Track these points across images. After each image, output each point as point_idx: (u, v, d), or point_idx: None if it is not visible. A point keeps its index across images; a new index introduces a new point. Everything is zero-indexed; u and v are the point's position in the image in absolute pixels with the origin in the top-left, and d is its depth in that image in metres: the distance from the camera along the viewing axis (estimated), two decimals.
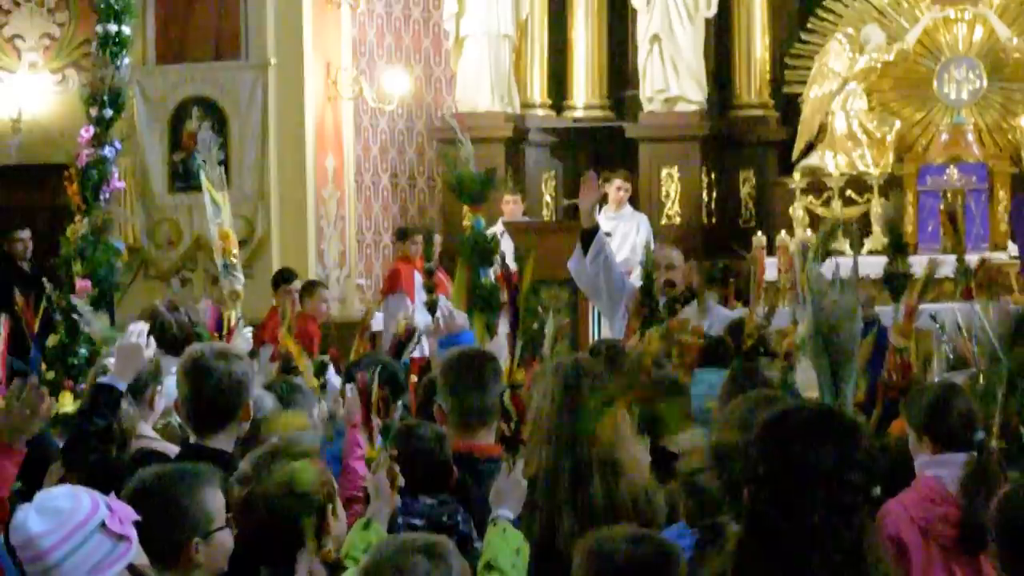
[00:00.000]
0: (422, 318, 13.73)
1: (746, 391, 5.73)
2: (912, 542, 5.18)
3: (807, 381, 6.70)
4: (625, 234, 14.32)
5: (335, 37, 15.16)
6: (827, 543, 3.22)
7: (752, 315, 7.63)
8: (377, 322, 14.70)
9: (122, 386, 5.26)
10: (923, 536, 5.19)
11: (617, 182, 14.65)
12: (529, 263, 6.12)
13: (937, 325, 7.30)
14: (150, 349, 5.40)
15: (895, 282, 9.72)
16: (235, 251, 7.05)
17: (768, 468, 3.25)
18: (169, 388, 5.59)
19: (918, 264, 15.26)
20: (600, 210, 15.43)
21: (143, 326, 5.44)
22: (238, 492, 3.97)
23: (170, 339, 6.50)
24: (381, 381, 5.93)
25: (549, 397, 4.38)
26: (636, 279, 13.82)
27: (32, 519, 3.46)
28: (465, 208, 16.00)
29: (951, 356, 7.00)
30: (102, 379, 5.32)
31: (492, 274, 8.64)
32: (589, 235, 9.08)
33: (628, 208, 14.79)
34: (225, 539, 3.79)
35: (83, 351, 8.10)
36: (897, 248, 9.93)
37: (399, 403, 6.10)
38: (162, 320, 6.49)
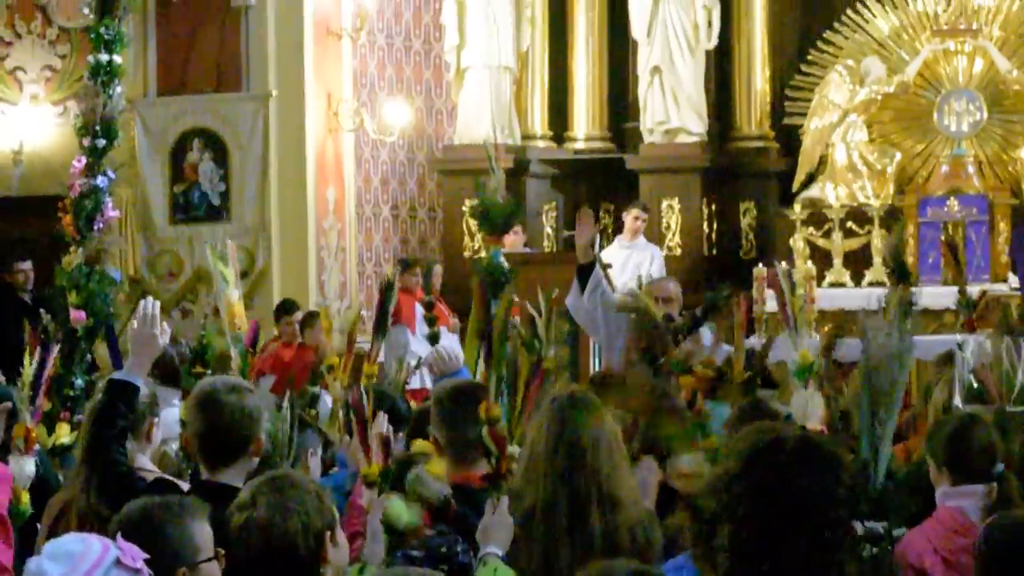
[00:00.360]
0: (423, 350, 13.76)
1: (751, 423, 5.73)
2: (936, 572, 5.15)
3: (800, 410, 6.67)
4: (638, 264, 14.34)
5: (336, 69, 15.19)
6: None
7: (740, 350, 7.59)
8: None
9: (139, 381, 5.13)
10: (946, 566, 5.16)
11: (635, 212, 14.69)
12: (505, 296, 6.05)
13: (961, 356, 7.24)
14: (165, 335, 5.29)
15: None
16: (244, 325, 7.04)
17: (749, 503, 3.19)
18: (167, 420, 5.57)
19: (920, 296, 15.42)
20: (600, 242, 15.43)
21: (153, 304, 5.31)
22: (236, 519, 3.96)
23: (171, 372, 6.48)
24: (383, 410, 5.92)
25: (544, 429, 4.35)
26: None
27: (47, 566, 3.44)
28: (467, 239, 16.07)
29: (975, 386, 6.93)
30: (116, 375, 5.17)
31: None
32: (585, 270, 9.06)
33: (642, 239, 14.80)
34: (213, 571, 3.78)
35: (79, 381, 8.09)
36: (900, 276, 9.87)
37: (400, 435, 6.07)
38: (162, 352, 6.47)
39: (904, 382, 5.28)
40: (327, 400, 11.87)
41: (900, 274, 9.18)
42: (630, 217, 14.69)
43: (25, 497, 5.66)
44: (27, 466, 5.69)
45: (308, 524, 3.94)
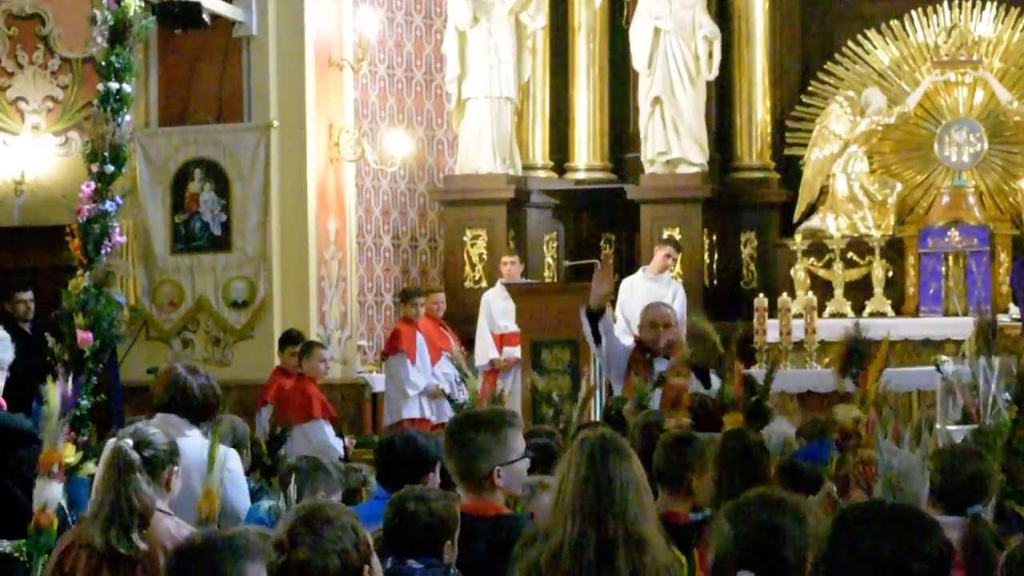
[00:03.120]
0: (422, 379, 13.76)
1: (736, 459, 5.80)
2: None
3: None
4: (659, 298, 14.33)
5: (337, 99, 15.21)
6: None
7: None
8: (378, 383, 14.72)
9: None
10: None
11: (668, 249, 14.73)
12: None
13: (942, 377, 7.24)
14: None
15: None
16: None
17: (833, 567, 3.20)
18: (187, 450, 5.56)
19: (920, 326, 15.44)
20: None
21: None
22: (275, 560, 3.96)
23: (195, 406, 6.40)
24: (409, 454, 5.90)
25: (574, 470, 4.40)
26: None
27: None
28: (468, 269, 16.08)
29: (960, 409, 6.93)
30: None
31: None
32: (595, 314, 9.20)
33: (667, 275, 14.80)
34: None
35: (85, 402, 8.09)
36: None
37: (432, 475, 6.00)
38: (185, 384, 6.40)
39: (926, 490, 5.26)
40: (327, 429, 11.90)
41: None
42: (661, 253, 14.67)
43: (55, 524, 5.68)
44: (56, 491, 5.71)
45: (347, 561, 3.94)
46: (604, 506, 4.30)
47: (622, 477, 4.34)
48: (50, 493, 5.70)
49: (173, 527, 5.08)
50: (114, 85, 8.64)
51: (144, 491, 5.07)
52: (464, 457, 5.16)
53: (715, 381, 9.15)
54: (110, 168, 8.63)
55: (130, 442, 5.21)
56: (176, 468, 5.33)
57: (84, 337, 8.21)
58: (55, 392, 5.85)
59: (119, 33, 8.74)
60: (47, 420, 5.81)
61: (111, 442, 5.18)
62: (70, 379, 6.24)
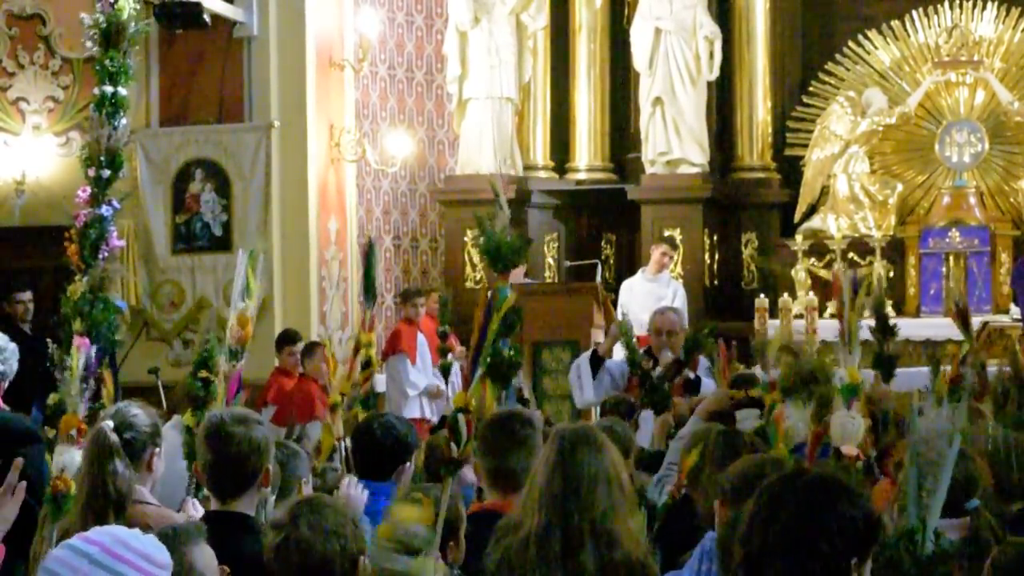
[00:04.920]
0: (422, 379, 13.76)
1: (731, 454, 5.74)
2: None
3: (838, 431, 6.59)
4: (659, 298, 14.33)
5: (338, 99, 15.21)
6: None
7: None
8: (379, 383, 14.71)
9: None
10: None
11: (663, 248, 14.77)
12: (507, 302, 6.17)
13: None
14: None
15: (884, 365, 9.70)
16: (248, 341, 7.00)
17: (764, 540, 3.15)
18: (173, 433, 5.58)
19: (921, 327, 15.43)
20: (602, 272, 15.46)
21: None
22: (274, 536, 3.97)
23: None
24: (388, 441, 5.95)
25: (545, 461, 4.39)
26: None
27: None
28: (469, 269, 16.07)
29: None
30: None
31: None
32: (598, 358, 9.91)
33: (666, 274, 14.83)
34: None
35: (83, 408, 8.07)
36: (884, 330, 9.79)
37: (408, 464, 6.08)
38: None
39: (953, 456, 5.25)
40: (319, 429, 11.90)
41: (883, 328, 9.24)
42: (657, 252, 14.71)
43: (72, 488, 5.66)
44: (75, 456, 5.70)
45: (345, 547, 3.97)
46: (570, 499, 4.27)
47: (591, 470, 4.31)
48: (68, 458, 5.68)
49: (154, 515, 5.07)
50: (109, 89, 8.61)
51: (121, 476, 5.04)
52: (523, 455, 5.16)
53: (709, 384, 9.16)
54: (106, 172, 8.60)
55: (111, 424, 5.18)
56: (158, 449, 5.31)
57: (80, 343, 8.20)
58: (78, 356, 5.82)
59: (113, 36, 8.71)
60: (67, 384, 5.80)
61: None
62: (93, 349, 6.18)
